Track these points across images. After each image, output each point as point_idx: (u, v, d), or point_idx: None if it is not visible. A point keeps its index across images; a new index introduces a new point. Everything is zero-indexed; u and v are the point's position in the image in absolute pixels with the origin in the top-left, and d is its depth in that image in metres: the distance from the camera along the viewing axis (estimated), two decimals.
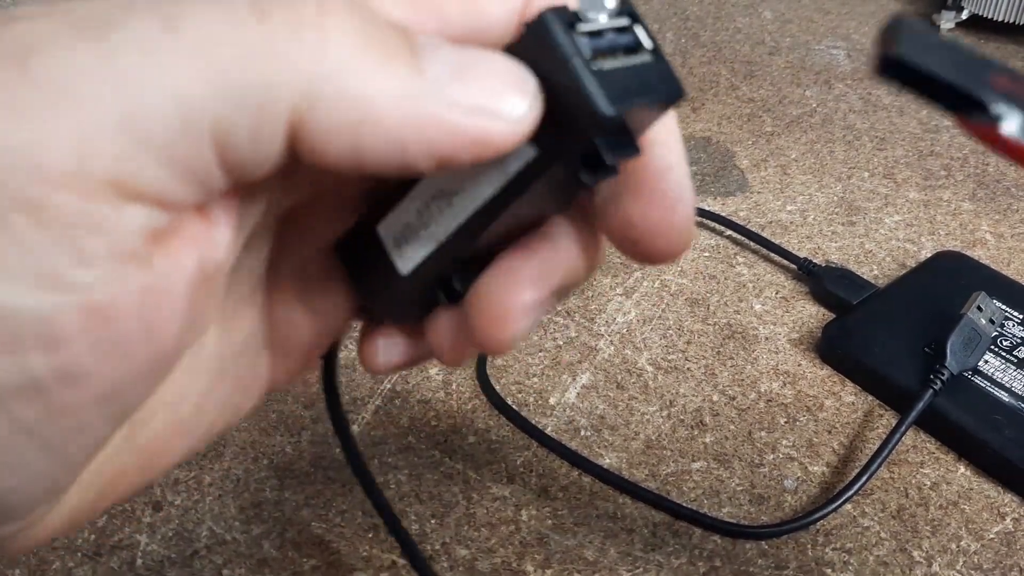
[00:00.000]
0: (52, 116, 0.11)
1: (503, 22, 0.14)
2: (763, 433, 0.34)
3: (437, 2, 0.13)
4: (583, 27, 0.13)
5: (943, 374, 0.33)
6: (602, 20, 0.13)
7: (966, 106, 0.13)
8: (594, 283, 0.42)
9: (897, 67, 0.13)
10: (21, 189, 0.10)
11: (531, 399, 0.36)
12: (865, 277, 0.41)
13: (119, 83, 0.11)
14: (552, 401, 0.36)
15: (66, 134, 0.11)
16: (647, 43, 0.14)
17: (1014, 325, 0.36)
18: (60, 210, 0.11)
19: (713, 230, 0.46)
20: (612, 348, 0.38)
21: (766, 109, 0.57)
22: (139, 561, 0.30)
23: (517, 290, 0.15)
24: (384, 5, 0.13)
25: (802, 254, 0.42)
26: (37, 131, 0.10)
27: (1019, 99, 0.13)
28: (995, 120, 0.13)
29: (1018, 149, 0.13)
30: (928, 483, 0.32)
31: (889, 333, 0.36)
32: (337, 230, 0.17)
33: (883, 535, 0.30)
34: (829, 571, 0.29)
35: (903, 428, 0.32)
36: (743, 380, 0.37)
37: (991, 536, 0.30)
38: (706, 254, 0.44)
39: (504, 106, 0.13)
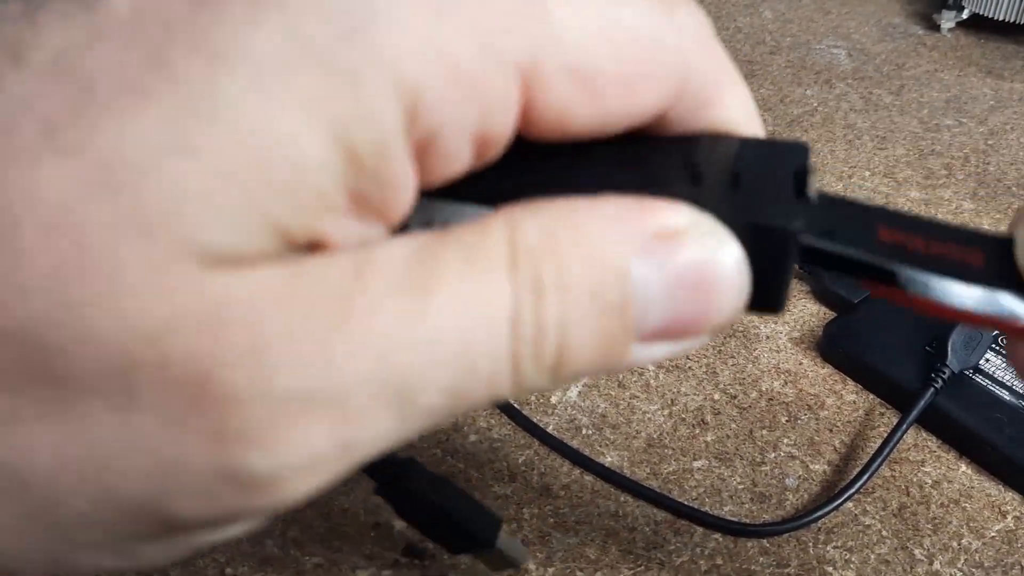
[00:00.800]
0: None
1: (655, 109, 0.13)
2: (764, 432, 0.34)
3: (599, 86, 0.12)
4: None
5: (944, 372, 0.33)
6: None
7: (878, 278, 0.13)
8: None
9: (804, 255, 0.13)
10: None
11: (532, 397, 0.36)
12: None
13: None
14: (553, 400, 0.36)
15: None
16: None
17: None
18: None
19: None
20: None
21: (767, 109, 0.57)
22: None
23: None
24: (553, 84, 0.12)
25: None
26: None
27: (912, 255, 0.13)
28: (904, 287, 0.13)
29: (929, 306, 0.13)
30: (929, 481, 0.32)
31: (890, 332, 0.36)
32: None
33: (884, 533, 0.30)
34: (831, 569, 0.29)
35: (904, 426, 0.32)
36: (744, 379, 0.37)
37: (992, 534, 0.30)
38: None
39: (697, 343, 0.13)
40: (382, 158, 0.11)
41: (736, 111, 0.14)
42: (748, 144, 0.14)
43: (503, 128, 0.12)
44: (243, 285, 0.10)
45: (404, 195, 0.12)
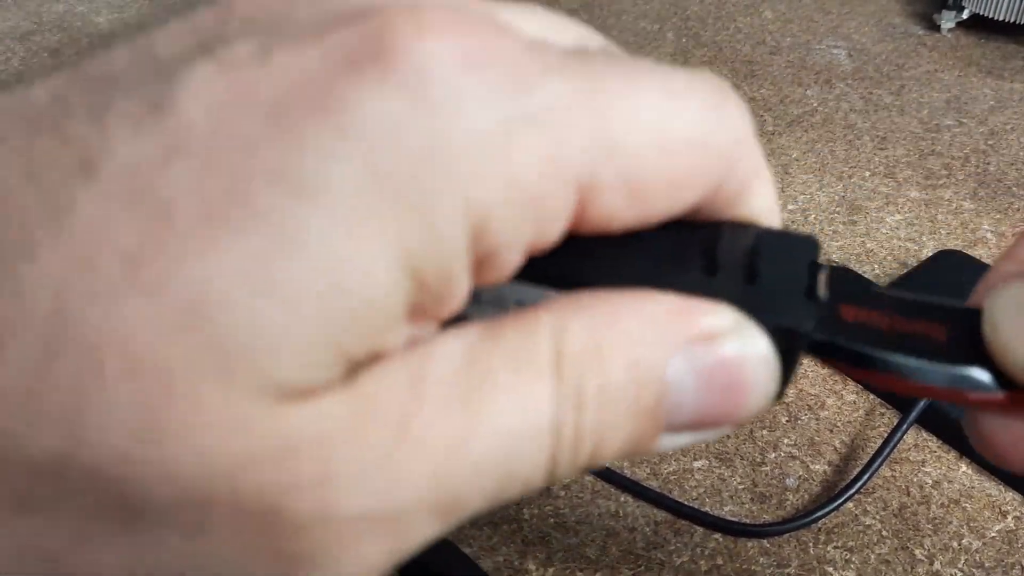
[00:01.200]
0: None
1: (692, 206, 0.13)
2: (765, 432, 0.34)
3: (648, 192, 0.12)
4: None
5: None
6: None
7: (847, 361, 0.13)
8: None
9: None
10: None
11: None
12: (866, 276, 0.41)
13: None
14: None
15: None
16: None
17: None
18: None
19: None
20: None
21: (767, 108, 0.57)
22: None
23: None
24: (607, 193, 0.12)
25: None
26: None
27: (877, 335, 0.13)
28: (873, 369, 0.13)
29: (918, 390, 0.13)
30: (929, 481, 0.32)
31: None
32: None
33: (885, 533, 0.30)
34: (831, 569, 0.29)
35: (904, 427, 0.32)
36: None
37: (992, 534, 0.30)
38: None
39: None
40: (446, 280, 0.11)
41: (761, 204, 0.15)
42: (765, 236, 0.14)
43: (554, 235, 0.12)
44: (311, 418, 0.10)
45: (458, 300, 0.12)
